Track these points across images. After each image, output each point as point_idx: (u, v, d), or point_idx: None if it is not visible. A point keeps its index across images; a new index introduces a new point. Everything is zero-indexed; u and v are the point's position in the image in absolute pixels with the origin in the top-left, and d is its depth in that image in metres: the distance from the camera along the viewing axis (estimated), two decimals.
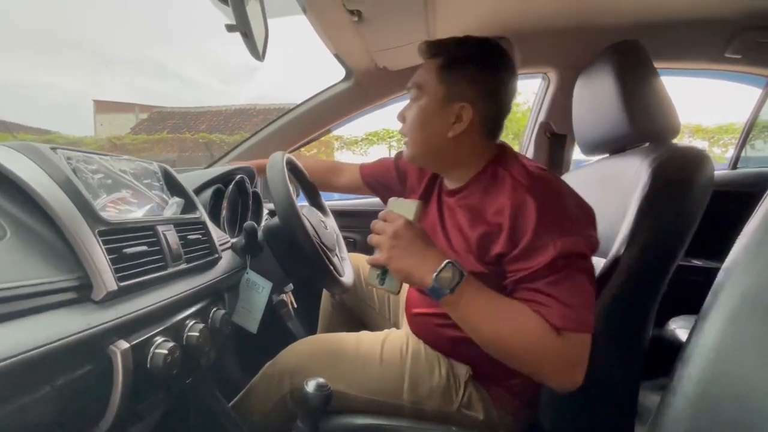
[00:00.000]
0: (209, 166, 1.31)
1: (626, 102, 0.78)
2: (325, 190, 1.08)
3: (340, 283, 0.82)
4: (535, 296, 0.56)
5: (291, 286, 1.06)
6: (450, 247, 0.69)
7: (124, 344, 0.45)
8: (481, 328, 0.57)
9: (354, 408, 0.68)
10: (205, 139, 8.97)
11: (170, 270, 0.56)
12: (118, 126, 11.92)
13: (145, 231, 0.54)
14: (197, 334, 0.57)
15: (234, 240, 0.84)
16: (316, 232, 0.83)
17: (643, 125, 0.78)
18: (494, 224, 0.61)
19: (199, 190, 0.83)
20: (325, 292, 1.12)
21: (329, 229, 0.95)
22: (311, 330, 1.16)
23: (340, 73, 1.21)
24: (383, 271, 0.61)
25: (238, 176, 0.94)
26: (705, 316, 0.45)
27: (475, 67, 0.67)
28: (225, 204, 0.90)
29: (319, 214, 0.95)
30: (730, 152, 1.42)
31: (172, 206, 0.65)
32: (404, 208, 0.63)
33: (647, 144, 0.81)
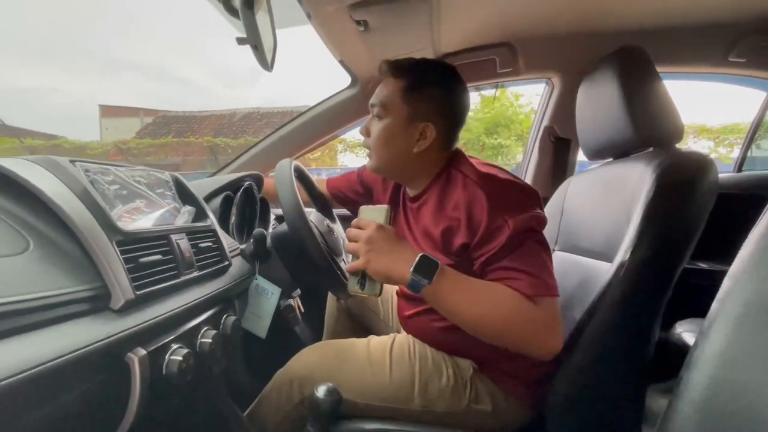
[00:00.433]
0: (217, 172, 1.32)
1: (629, 107, 0.78)
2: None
3: (347, 287, 0.83)
4: (502, 273, 0.62)
5: (298, 291, 1.07)
6: (420, 248, 0.74)
7: (141, 351, 0.46)
8: (462, 310, 0.61)
9: (365, 414, 0.70)
10: (209, 143, 9.03)
11: (183, 278, 0.57)
12: (124, 130, 12.03)
13: (159, 240, 0.56)
14: (210, 340, 0.59)
15: (243, 246, 0.85)
16: (323, 238, 0.84)
17: (646, 130, 0.78)
18: (453, 218, 0.68)
19: (209, 198, 0.85)
20: (330, 297, 1.13)
21: (336, 234, 0.96)
22: (317, 334, 1.17)
23: (345, 76, 1.23)
24: (362, 276, 0.64)
25: (247, 183, 0.95)
26: (711, 323, 0.45)
27: (436, 89, 0.74)
28: (234, 210, 0.91)
29: (326, 220, 0.96)
30: (736, 152, 1.42)
31: (184, 215, 0.67)
32: (375, 214, 0.67)
33: (651, 149, 0.81)
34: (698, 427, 0.41)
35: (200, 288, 0.62)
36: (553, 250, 0.97)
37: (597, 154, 0.94)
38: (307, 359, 0.75)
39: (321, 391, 0.60)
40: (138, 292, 0.47)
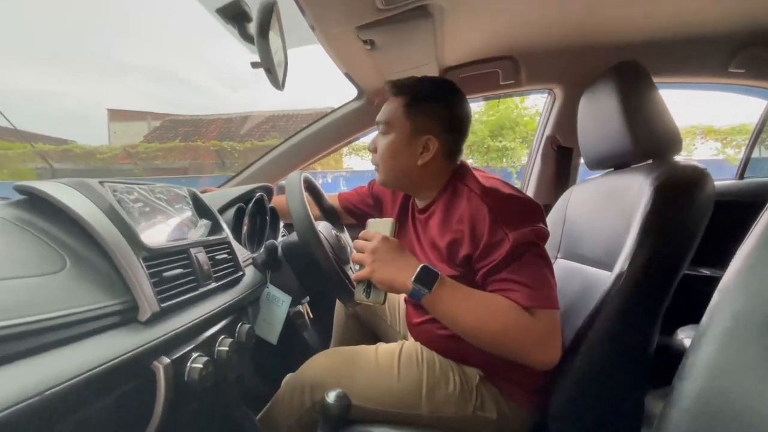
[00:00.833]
0: (228, 182, 1.36)
1: (628, 121, 0.80)
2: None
3: (354, 296, 0.86)
4: (502, 285, 0.64)
5: (307, 297, 1.10)
6: (426, 258, 0.78)
7: (165, 360, 0.50)
8: (461, 319, 0.64)
9: (374, 419, 0.72)
10: (216, 147, 9.12)
11: (202, 289, 0.61)
12: (132, 134, 12.17)
13: (180, 254, 0.59)
14: (227, 348, 0.62)
15: (255, 255, 0.89)
16: (331, 248, 0.88)
17: (645, 143, 0.80)
18: (458, 231, 0.70)
19: (223, 210, 0.88)
20: (338, 303, 1.16)
21: (343, 243, 0.99)
22: (326, 339, 1.20)
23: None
24: (368, 284, 0.68)
25: (258, 194, 0.99)
26: (702, 334, 0.48)
27: (436, 103, 0.77)
28: (246, 221, 0.95)
29: (334, 229, 0.99)
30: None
31: (201, 228, 0.71)
32: (381, 226, 0.71)
33: (650, 161, 0.83)
34: None
35: (217, 298, 0.65)
36: (556, 258, 0.99)
37: (598, 164, 0.96)
38: (318, 365, 0.78)
39: (331, 397, 0.63)
40: (162, 305, 0.51)
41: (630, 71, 0.83)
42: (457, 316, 0.64)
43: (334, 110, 1.31)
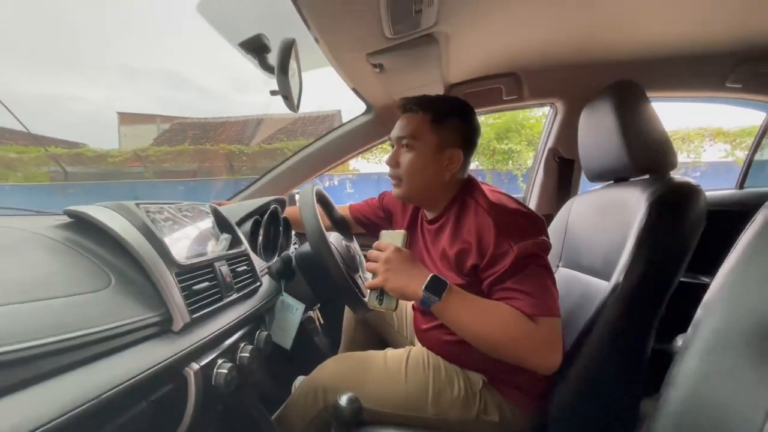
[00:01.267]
0: (242, 191, 1.41)
1: (625, 138, 0.83)
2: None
3: (364, 304, 0.90)
4: (506, 293, 0.68)
5: (318, 304, 1.15)
6: (436, 267, 0.83)
7: (195, 366, 0.55)
8: (468, 326, 0.68)
9: (383, 421, 0.77)
10: (225, 150, 9.23)
11: (225, 300, 0.66)
12: (141, 137, 12.33)
13: (206, 268, 0.65)
14: (248, 354, 0.67)
15: (270, 264, 0.94)
16: (342, 258, 0.92)
17: (641, 159, 0.83)
18: (466, 242, 0.75)
19: (240, 222, 0.94)
20: (347, 310, 1.21)
21: (353, 253, 1.04)
22: (335, 344, 1.24)
23: None
24: (380, 292, 0.72)
25: (273, 207, 1.04)
26: (687, 345, 0.52)
27: (458, 119, 0.83)
28: (261, 232, 1.00)
29: (345, 240, 1.04)
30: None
31: (222, 242, 0.76)
32: (393, 237, 0.75)
33: (647, 176, 0.86)
34: None
35: (238, 308, 0.70)
36: (558, 266, 1.03)
37: (598, 177, 0.99)
38: (330, 369, 0.83)
39: (343, 400, 0.68)
40: (193, 316, 0.56)
41: (626, 90, 0.86)
42: (463, 322, 0.68)
43: (343, 124, 1.37)
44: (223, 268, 0.69)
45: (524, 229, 0.71)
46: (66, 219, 0.58)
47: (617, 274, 0.76)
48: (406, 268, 0.70)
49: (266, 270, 0.91)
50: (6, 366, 0.35)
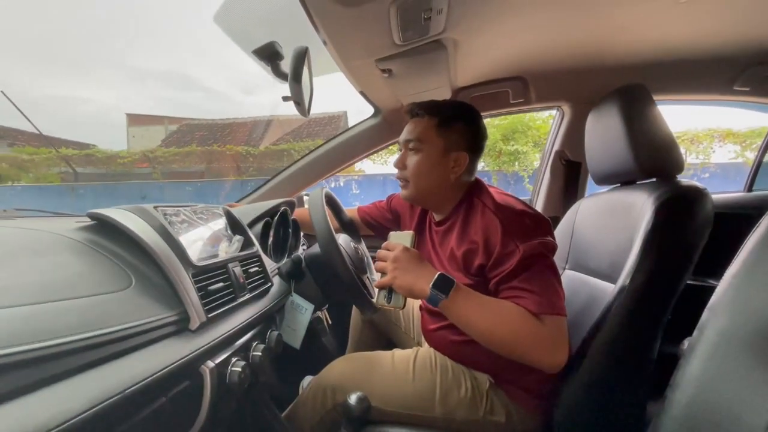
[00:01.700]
0: (252, 193, 1.43)
1: (632, 142, 0.84)
2: None
3: (372, 305, 0.92)
4: (513, 292, 0.70)
5: (327, 305, 1.17)
6: (443, 267, 0.84)
7: (211, 364, 0.57)
8: (475, 323, 0.69)
9: (391, 420, 0.78)
10: (232, 151, 9.31)
11: (239, 300, 0.68)
12: (149, 138, 12.50)
13: (220, 269, 0.66)
14: (260, 353, 0.69)
15: (280, 265, 0.96)
16: (351, 259, 0.94)
17: (648, 163, 0.83)
18: (473, 242, 0.76)
19: (252, 224, 0.96)
20: (355, 310, 1.23)
21: (361, 254, 1.06)
22: (343, 344, 1.26)
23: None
24: (389, 291, 0.74)
25: (282, 209, 1.06)
26: (692, 348, 0.53)
27: (463, 123, 0.85)
28: (272, 233, 1.02)
29: (353, 242, 1.06)
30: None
31: (235, 243, 0.78)
32: (401, 238, 0.77)
33: (654, 179, 0.87)
34: None
35: (251, 308, 0.72)
36: (564, 269, 1.03)
37: (604, 180, 1.00)
38: (340, 369, 0.85)
39: (353, 399, 0.70)
40: (208, 315, 0.58)
41: (633, 93, 0.87)
42: (470, 319, 0.69)
43: (351, 127, 1.39)
44: (237, 269, 0.71)
45: (530, 230, 0.73)
46: (86, 221, 0.60)
47: (624, 277, 0.76)
48: (414, 266, 0.71)
49: (277, 271, 0.93)
50: (35, 363, 0.37)
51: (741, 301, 0.49)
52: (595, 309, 0.79)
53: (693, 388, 0.50)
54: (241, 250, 0.78)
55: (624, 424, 0.78)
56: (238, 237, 0.79)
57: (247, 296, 0.71)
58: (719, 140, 7.17)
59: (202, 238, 0.69)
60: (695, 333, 0.53)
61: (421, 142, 0.84)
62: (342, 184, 7.90)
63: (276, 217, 1.04)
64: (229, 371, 0.61)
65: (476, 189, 0.85)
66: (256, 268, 0.79)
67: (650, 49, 1.05)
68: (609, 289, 0.79)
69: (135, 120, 14.24)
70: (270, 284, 0.82)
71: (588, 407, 0.75)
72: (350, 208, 1.19)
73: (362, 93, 1.19)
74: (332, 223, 0.89)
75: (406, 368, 0.82)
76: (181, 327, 0.55)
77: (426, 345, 0.95)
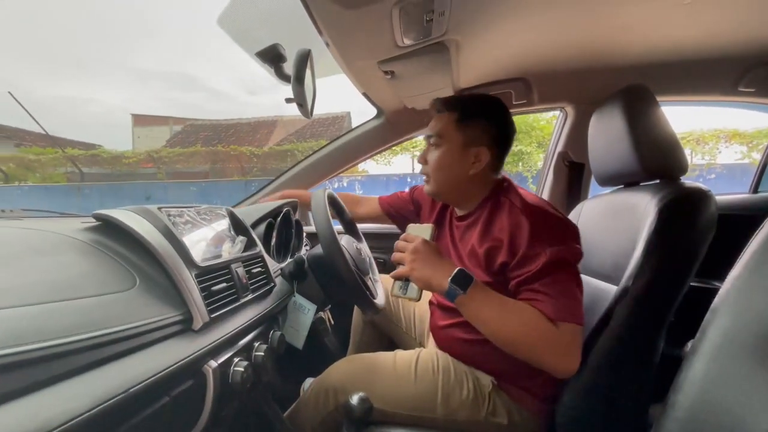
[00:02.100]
0: (256, 193, 1.44)
1: (635, 143, 0.83)
2: None
3: (374, 305, 0.92)
4: (533, 295, 0.69)
5: (329, 305, 1.17)
6: (461, 262, 0.83)
7: (213, 364, 0.57)
8: (490, 321, 0.69)
9: (393, 421, 0.78)
10: (236, 152, 9.35)
11: (241, 301, 0.68)
12: (154, 138, 12.59)
13: (223, 270, 0.67)
14: (262, 353, 0.69)
15: (283, 266, 0.96)
16: (353, 260, 0.94)
17: (652, 164, 0.83)
18: (497, 240, 0.76)
19: (255, 225, 0.97)
20: (356, 310, 1.23)
21: (363, 255, 1.06)
22: (345, 345, 1.26)
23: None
24: (405, 282, 0.74)
25: (285, 209, 1.07)
26: (694, 350, 0.52)
27: (485, 118, 0.84)
28: (275, 234, 1.02)
29: (355, 242, 1.06)
30: None
31: (238, 244, 0.78)
32: (421, 230, 0.76)
33: (658, 181, 0.86)
34: None
35: (254, 308, 0.73)
36: None
37: (607, 181, 0.99)
38: (342, 370, 0.85)
39: (354, 400, 0.70)
40: (211, 315, 0.58)
41: (636, 94, 0.86)
42: (486, 317, 0.69)
43: (354, 128, 1.39)
44: (239, 270, 0.71)
45: (558, 235, 0.72)
46: (92, 221, 0.60)
47: (626, 279, 0.76)
48: (434, 260, 0.71)
49: (279, 271, 0.94)
50: (40, 362, 0.37)
51: (744, 303, 0.49)
52: (597, 310, 0.79)
53: (696, 390, 0.50)
54: (244, 250, 0.79)
55: (626, 426, 0.77)
56: (241, 238, 0.80)
57: (250, 297, 0.72)
58: (725, 141, 7.12)
59: (206, 238, 0.69)
60: (698, 335, 0.53)
61: (440, 137, 0.84)
62: (345, 184, 7.92)
63: (279, 218, 1.04)
64: (231, 371, 0.61)
65: (504, 187, 0.84)
66: (259, 269, 0.79)
67: (654, 49, 1.04)
68: (611, 291, 0.79)
69: (140, 120, 14.35)
70: (273, 285, 0.82)
71: (590, 409, 0.75)
72: (370, 197, 1.19)
73: (365, 94, 1.19)
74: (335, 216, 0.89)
75: (408, 369, 0.82)
76: (185, 327, 0.55)
77: (429, 346, 0.95)
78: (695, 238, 0.75)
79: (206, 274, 0.62)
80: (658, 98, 0.86)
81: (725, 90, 1.14)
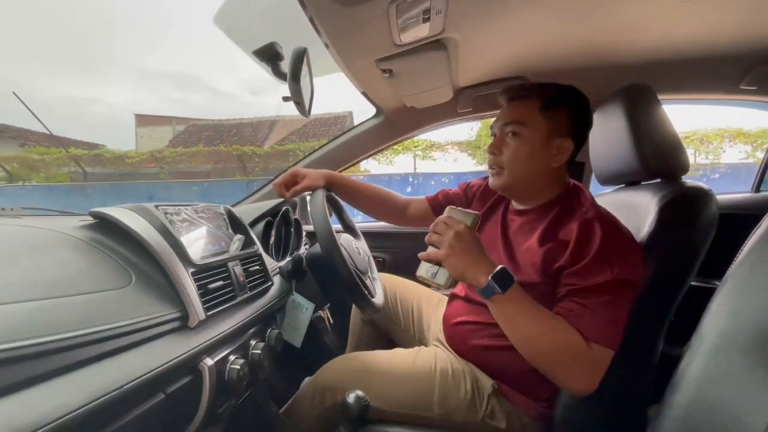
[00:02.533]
0: (254, 194, 1.44)
1: (636, 142, 0.83)
2: (390, 221, 1.15)
3: (372, 304, 0.92)
4: (579, 309, 0.65)
5: (328, 304, 1.18)
6: (509, 257, 0.80)
7: (210, 361, 0.57)
8: (522, 327, 0.66)
9: (390, 419, 0.78)
10: (238, 151, 9.38)
11: (238, 299, 0.69)
12: (157, 138, 12.65)
13: (220, 268, 0.67)
14: (259, 351, 0.70)
15: (281, 264, 0.96)
16: (352, 259, 0.94)
17: (653, 163, 0.83)
18: (562, 242, 0.72)
19: (253, 223, 0.97)
20: (354, 309, 1.23)
21: (362, 253, 1.06)
22: (343, 343, 1.27)
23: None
24: (436, 265, 0.68)
25: (284, 208, 1.07)
26: (692, 350, 0.52)
27: (568, 107, 0.79)
28: (273, 233, 1.03)
29: (353, 239, 1.06)
30: None
31: (236, 242, 0.78)
32: (464, 216, 0.70)
33: (659, 180, 0.86)
34: None
35: (251, 306, 0.73)
36: None
37: (608, 180, 0.99)
38: (337, 369, 0.85)
39: (351, 398, 0.70)
40: (208, 313, 0.59)
41: (637, 93, 0.86)
42: (518, 322, 0.66)
43: (355, 126, 1.39)
44: (237, 268, 0.71)
45: (630, 257, 0.68)
46: (90, 219, 0.61)
47: None
48: (475, 251, 0.66)
49: (278, 270, 0.94)
50: (36, 357, 0.37)
51: (740, 303, 0.48)
52: None
53: (693, 389, 0.49)
54: (242, 249, 0.79)
55: (626, 426, 0.77)
56: (239, 236, 0.80)
57: (247, 295, 0.72)
58: (729, 140, 7.08)
59: (203, 236, 0.70)
60: (694, 335, 0.53)
61: (522, 125, 0.77)
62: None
63: (278, 217, 1.05)
64: (228, 368, 0.61)
65: (576, 191, 0.81)
66: (257, 267, 0.79)
67: (655, 48, 1.03)
68: None
69: (143, 120, 14.43)
70: (270, 283, 0.82)
71: (589, 409, 0.75)
72: (418, 198, 1.11)
73: (364, 93, 1.19)
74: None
75: (406, 368, 0.82)
76: (181, 324, 0.55)
77: (430, 345, 0.95)
78: (696, 236, 0.74)
79: (203, 272, 0.62)
80: (660, 97, 0.86)
81: (727, 88, 1.13)
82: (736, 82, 1.10)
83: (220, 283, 0.65)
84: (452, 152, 8.28)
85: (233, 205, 1.09)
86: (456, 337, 0.87)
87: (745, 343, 0.46)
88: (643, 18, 0.90)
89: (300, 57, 0.66)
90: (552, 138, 0.78)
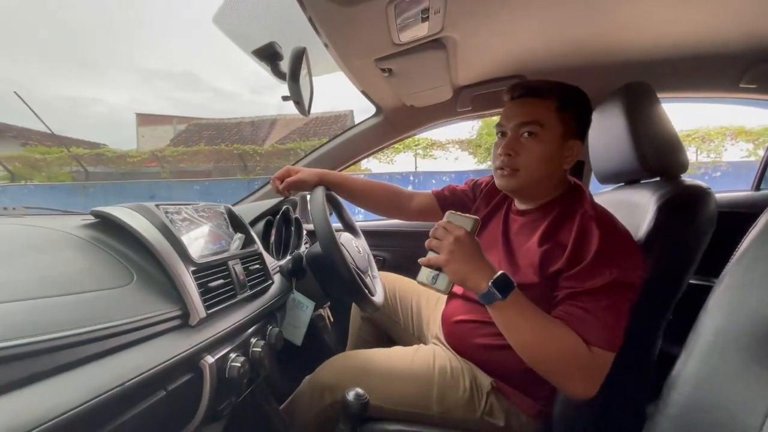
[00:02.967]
0: (254, 193, 1.45)
1: (636, 140, 0.83)
2: (394, 216, 1.13)
3: (372, 302, 0.93)
4: (580, 313, 0.65)
5: (328, 302, 1.18)
6: (508, 257, 0.80)
7: (210, 359, 0.58)
8: (521, 333, 0.66)
9: (389, 417, 0.79)
10: (239, 150, 9.39)
11: (239, 297, 0.69)
12: (158, 137, 12.66)
13: (221, 266, 0.68)
14: (259, 349, 0.70)
15: (281, 263, 0.97)
16: (352, 258, 0.95)
17: (652, 162, 0.83)
18: (560, 244, 0.71)
19: (254, 222, 0.97)
20: (354, 308, 1.24)
21: (362, 252, 1.06)
22: (343, 341, 1.27)
23: None
24: (436, 271, 0.69)
25: (284, 207, 1.07)
26: (688, 349, 0.52)
27: (579, 109, 0.79)
28: (273, 232, 1.03)
29: (353, 238, 1.06)
30: None
31: (236, 241, 0.79)
32: (463, 221, 0.70)
33: (658, 178, 0.86)
34: None
35: (251, 305, 0.73)
36: None
37: (608, 179, 0.99)
38: (336, 367, 0.86)
39: (351, 395, 0.70)
40: (208, 311, 0.59)
41: (637, 92, 0.86)
42: (518, 328, 0.66)
43: (354, 125, 1.39)
44: (237, 267, 0.72)
45: (628, 258, 0.68)
46: (91, 219, 0.61)
47: None
48: (476, 256, 0.66)
49: (278, 268, 0.94)
50: (37, 355, 0.38)
51: (737, 300, 0.48)
52: None
53: (689, 387, 0.50)
54: (243, 247, 0.79)
55: (625, 424, 0.77)
56: (239, 235, 0.80)
57: (248, 293, 0.72)
58: (731, 138, 7.07)
59: (204, 235, 0.70)
60: (691, 333, 0.53)
61: (541, 126, 0.75)
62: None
63: (278, 216, 1.05)
64: (228, 366, 0.62)
65: (578, 192, 0.80)
66: (257, 266, 0.80)
67: (654, 46, 1.03)
68: None
69: (144, 120, 14.43)
70: (271, 282, 0.83)
71: (588, 408, 0.75)
72: (423, 192, 1.09)
73: (363, 92, 1.20)
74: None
75: (405, 366, 0.83)
76: (182, 323, 0.56)
77: (430, 343, 0.95)
78: (694, 235, 0.74)
79: (203, 271, 0.62)
80: (659, 95, 0.86)
81: (726, 86, 1.13)
82: (735, 81, 1.10)
83: (221, 281, 0.65)
84: (453, 151, 8.29)
85: (234, 204, 1.09)
86: (455, 336, 0.87)
87: (741, 340, 0.46)
88: (642, 16, 0.90)
89: (299, 57, 0.66)
90: (566, 140, 0.77)
